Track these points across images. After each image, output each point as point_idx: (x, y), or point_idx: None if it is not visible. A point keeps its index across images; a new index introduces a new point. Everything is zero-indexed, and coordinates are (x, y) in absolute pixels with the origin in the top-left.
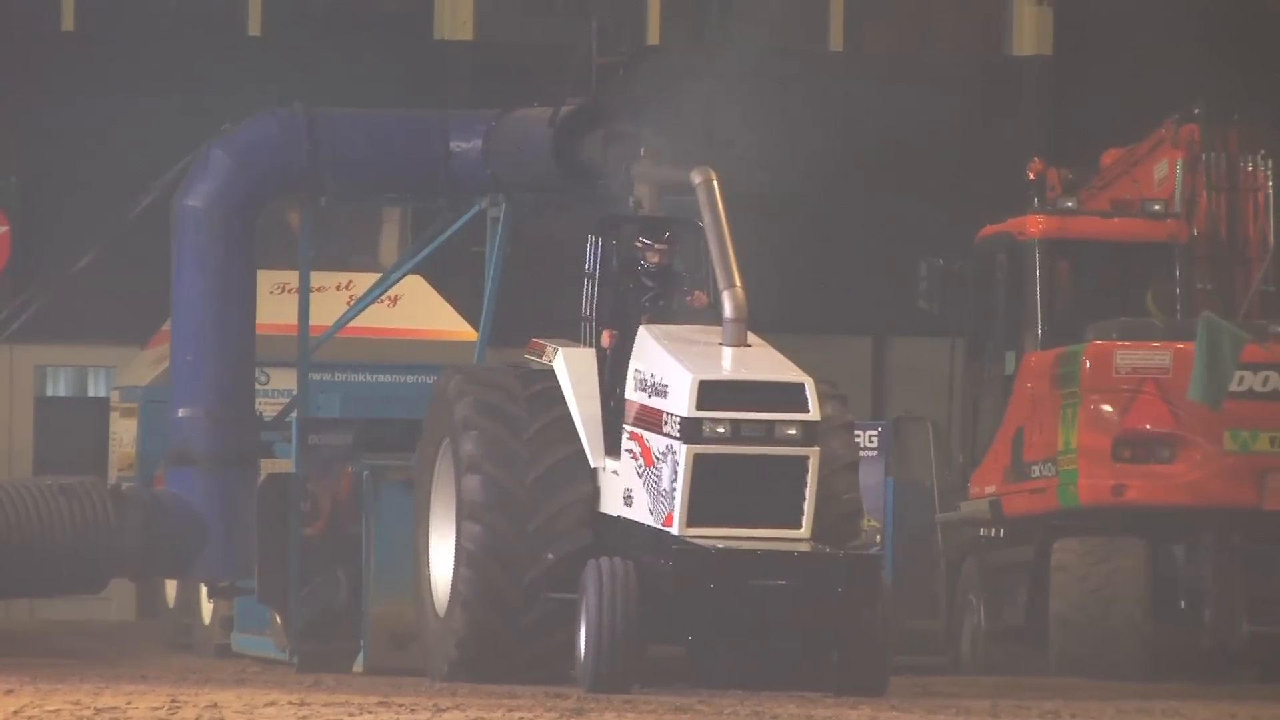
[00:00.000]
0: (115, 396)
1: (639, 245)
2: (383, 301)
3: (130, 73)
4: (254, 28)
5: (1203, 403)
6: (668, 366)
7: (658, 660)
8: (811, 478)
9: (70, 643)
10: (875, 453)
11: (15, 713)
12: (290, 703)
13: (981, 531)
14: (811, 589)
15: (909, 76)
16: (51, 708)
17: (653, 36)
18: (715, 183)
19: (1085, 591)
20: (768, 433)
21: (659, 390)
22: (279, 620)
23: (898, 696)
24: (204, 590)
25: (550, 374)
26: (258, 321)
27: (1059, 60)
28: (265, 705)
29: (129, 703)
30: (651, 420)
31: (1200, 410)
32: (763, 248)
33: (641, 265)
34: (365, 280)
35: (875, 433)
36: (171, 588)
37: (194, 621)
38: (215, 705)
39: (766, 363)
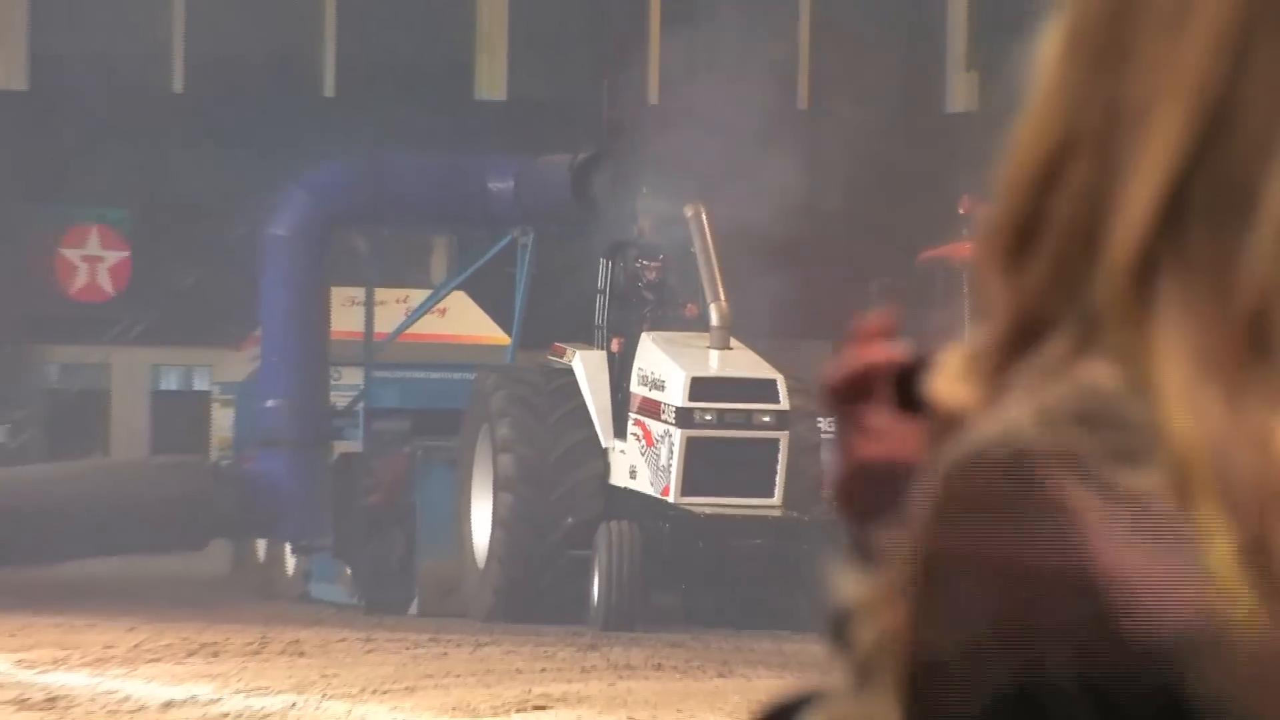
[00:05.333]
0: (215, 390)
1: (640, 266)
2: (433, 312)
3: (226, 124)
4: (328, 89)
5: None
6: (665, 365)
7: (657, 605)
8: (783, 456)
9: (177, 591)
10: (835, 436)
11: (136, 645)
12: (358, 639)
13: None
14: (782, 547)
15: (863, 128)
16: (164, 642)
17: (653, 96)
18: (704, 215)
19: None
20: (747, 420)
21: (658, 385)
22: (349, 572)
23: None
24: (288, 548)
25: (569, 372)
26: (331, 328)
27: (984, 115)
28: (338, 641)
29: (226, 639)
30: (652, 409)
31: None
32: (743, 268)
33: (643, 282)
34: (418, 295)
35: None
36: (260, 546)
37: (279, 574)
38: (297, 641)
39: (745, 362)
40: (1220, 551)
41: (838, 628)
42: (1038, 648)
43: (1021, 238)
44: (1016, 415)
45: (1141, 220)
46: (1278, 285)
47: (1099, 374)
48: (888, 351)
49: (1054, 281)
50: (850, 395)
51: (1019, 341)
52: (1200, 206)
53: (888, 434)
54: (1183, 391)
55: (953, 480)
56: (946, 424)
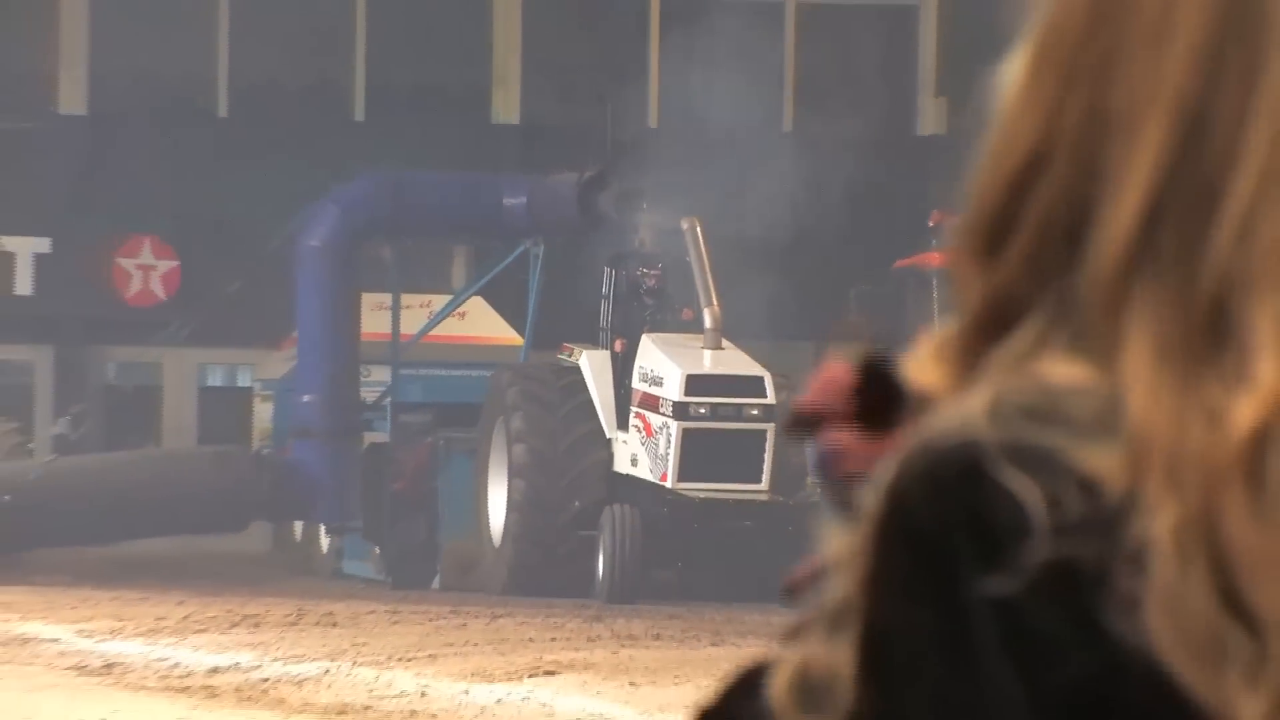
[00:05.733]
0: (256, 386)
1: (641, 274)
2: (453, 316)
3: (266, 145)
4: (359, 114)
5: None
6: (663, 364)
7: (656, 580)
8: (769, 446)
9: (222, 568)
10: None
11: (184, 617)
12: (385, 611)
13: None
14: (769, 527)
15: (843, 148)
16: (210, 614)
17: (652, 120)
18: (698, 227)
19: None
20: (737, 413)
21: (657, 381)
22: (377, 551)
23: None
24: (322, 529)
25: (576, 369)
26: (360, 330)
27: (952, 137)
28: (367, 613)
29: (267, 610)
30: (651, 403)
31: None
32: (734, 275)
33: (643, 289)
34: (440, 300)
35: None
36: (297, 527)
37: (314, 552)
38: (330, 613)
39: (736, 361)
40: (1161, 526)
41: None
42: (959, 620)
43: (995, 235)
44: (971, 406)
45: (1129, 221)
46: (1237, 276)
47: (1057, 367)
48: (840, 384)
49: (1028, 276)
50: (811, 425)
51: (989, 330)
52: (1173, 207)
53: (854, 450)
54: (1143, 375)
55: (907, 462)
56: (921, 404)
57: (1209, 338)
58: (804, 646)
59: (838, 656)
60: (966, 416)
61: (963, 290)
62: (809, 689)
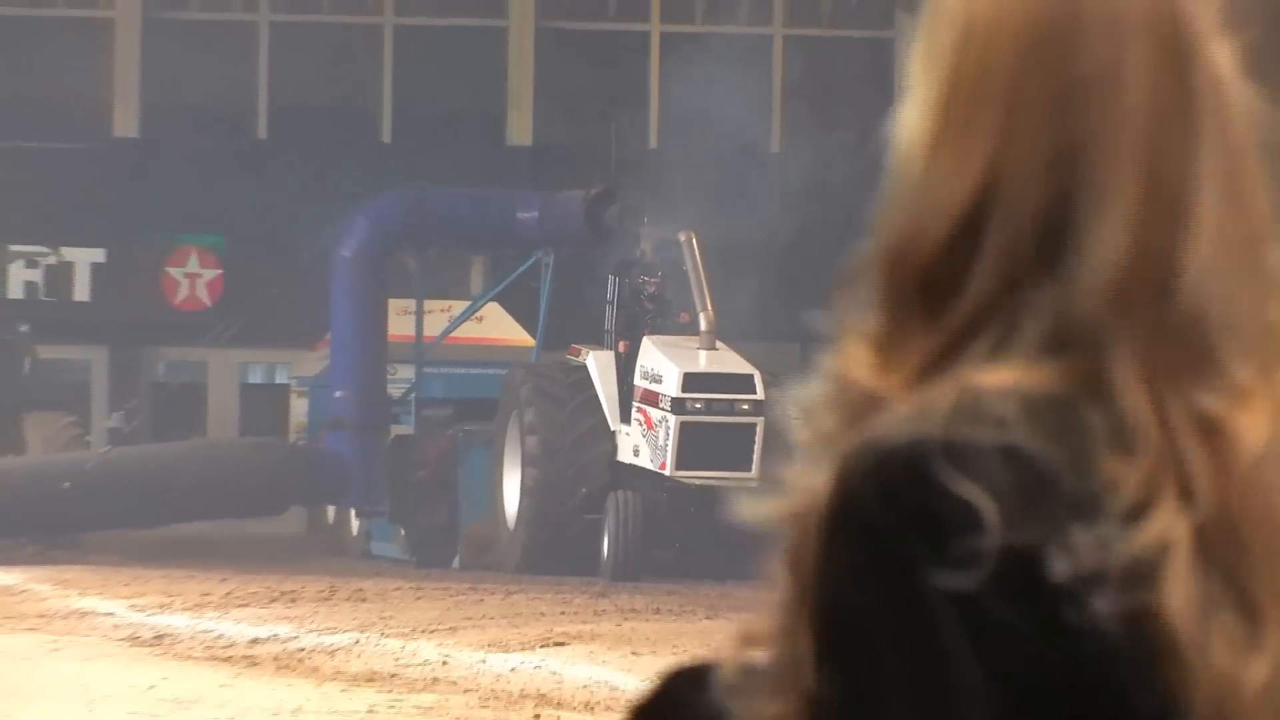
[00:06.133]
0: (293, 383)
1: (642, 281)
2: (471, 319)
3: (301, 164)
4: (386, 136)
5: None
6: (662, 363)
7: (656, 559)
8: (759, 438)
9: (261, 549)
10: None
11: (227, 593)
12: (410, 587)
13: None
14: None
15: (827, 167)
16: (251, 590)
17: (653, 142)
18: (695, 239)
19: None
20: (730, 408)
21: (656, 379)
22: (402, 533)
23: None
24: (352, 513)
25: (583, 368)
26: (388, 333)
27: None
28: (393, 589)
29: (302, 587)
30: (651, 399)
31: None
32: (727, 282)
33: (644, 295)
34: (459, 305)
35: None
36: (330, 511)
37: (345, 534)
38: (360, 589)
39: (728, 360)
40: (1179, 531)
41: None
42: (915, 608)
43: (946, 258)
44: (921, 407)
45: (1120, 244)
46: (1211, 294)
47: (1010, 374)
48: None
49: (991, 292)
50: None
51: (945, 339)
52: (1152, 232)
53: None
54: (1140, 391)
55: (854, 459)
56: (865, 404)
57: (1189, 355)
58: (757, 638)
59: (796, 644)
60: (916, 417)
61: (896, 305)
62: (762, 676)
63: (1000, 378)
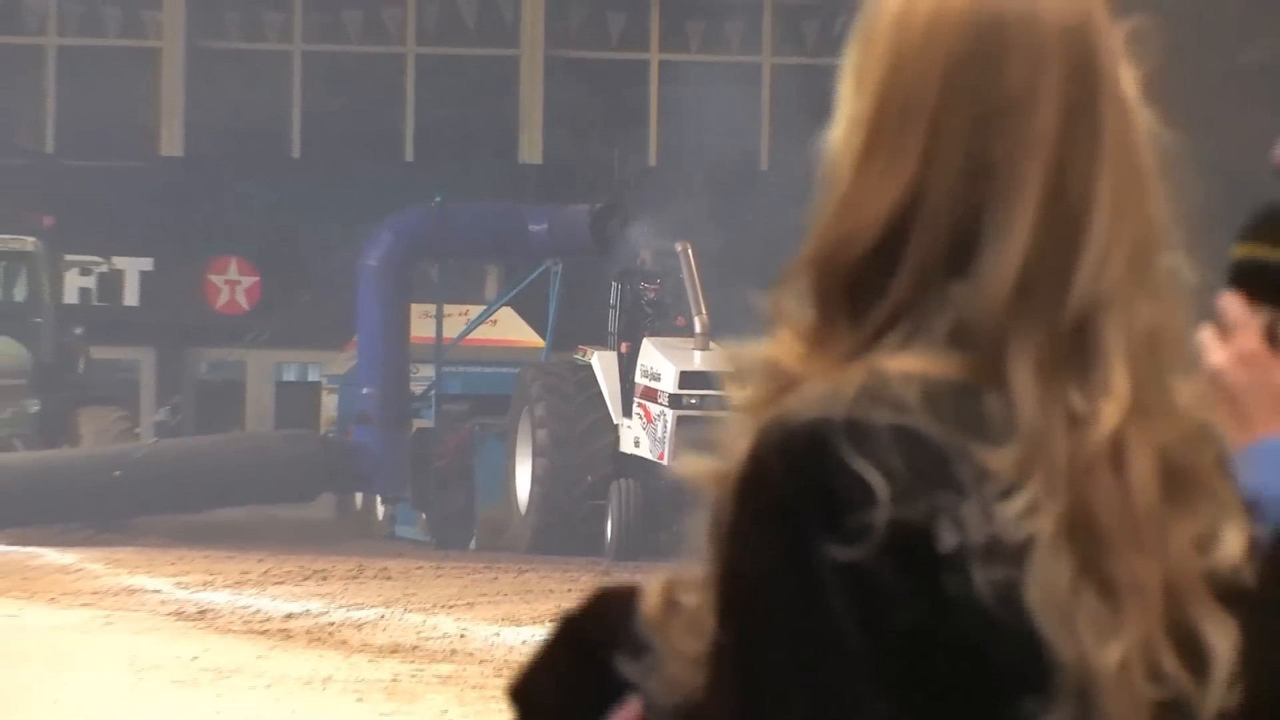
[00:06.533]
0: (323, 381)
1: (643, 288)
2: (487, 323)
3: (331, 180)
4: (408, 155)
5: None
6: (661, 362)
7: (655, 541)
8: None
9: (294, 532)
10: None
11: (264, 572)
12: (431, 567)
13: None
14: None
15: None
16: (286, 569)
17: (652, 160)
18: (690, 250)
19: None
20: (721, 403)
21: (655, 377)
22: (424, 517)
23: None
24: (378, 499)
25: (589, 367)
26: (410, 334)
27: None
28: (415, 568)
29: (332, 566)
30: (651, 395)
31: None
32: (720, 288)
33: (644, 300)
34: (476, 309)
35: None
36: (358, 498)
37: (371, 518)
38: (385, 568)
39: (721, 360)
40: (1044, 516)
41: None
42: (806, 575)
43: (871, 260)
44: (830, 390)
45: (1018, 253)
46: (1095, 302)
47: (905, 364)
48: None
49: (908, 290)
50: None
51: (860, 329)
52: (1048, 243)
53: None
54: (1029, 387)
55: (766, 433)
56: (786, 384)
57: (1075, 355)
58: (675, 580)
59: (704, 597)
60: (824, 397)
61: (825, 302)
62: (678, 616)
63: (904, 365)
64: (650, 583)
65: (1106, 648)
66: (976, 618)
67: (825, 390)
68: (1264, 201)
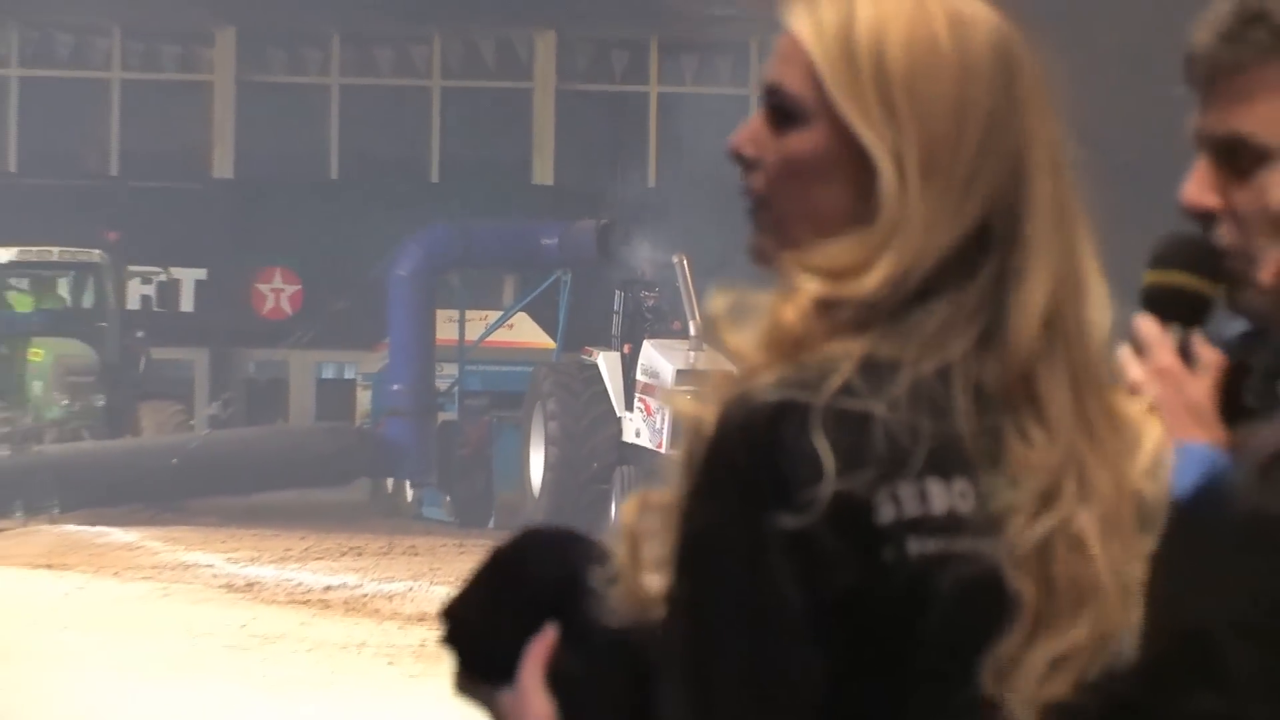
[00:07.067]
0: (358, 378)
1: (643, 295)
2: (504, 326)
3: (366, 200)
4: (434, 177)
5: None
6: (659, 362)
7: None
8: None
9: (332, 513)
10: None
11: (305, 549)
12: (454, 544)
13: None
14: None
15: None
16: (324, 546)
17: (651, 181)
18: (685, 262)
19: None
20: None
21: (654, 375)
22: (448, 499)
23: None
24: (407, 483)
25: (595, 366)
26: (436, 337)
27: None
28: (440, 545)
29: (366, 544)
30: (650, 391)
31: None
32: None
33: (645, 307)
34: (494, 315)
35: None
36: (389, 482)
37: (401, 500)
38: (413, 545)
39: (713, 360)
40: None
41: None
42: (756, 538)
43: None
44: (794, 374)
45: (1048, 288)
46: (1035, 346)
47: (857, 352)
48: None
49: (877, 306)
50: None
51: (849, 329)
52: (1059, 277)
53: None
54: (964, 389)
55: (733, 408)
56: (772, 348)
57: (998, 340)
58: (647, 498)
59: (667, 543)
60: (787, 381)
61: (803, 311)
62: (644, 527)
63: (871, 352)
64: (626, 499)
65: (1033, 654)
66: (909, 584)
67: (789, 375)
68: (1169, 232)
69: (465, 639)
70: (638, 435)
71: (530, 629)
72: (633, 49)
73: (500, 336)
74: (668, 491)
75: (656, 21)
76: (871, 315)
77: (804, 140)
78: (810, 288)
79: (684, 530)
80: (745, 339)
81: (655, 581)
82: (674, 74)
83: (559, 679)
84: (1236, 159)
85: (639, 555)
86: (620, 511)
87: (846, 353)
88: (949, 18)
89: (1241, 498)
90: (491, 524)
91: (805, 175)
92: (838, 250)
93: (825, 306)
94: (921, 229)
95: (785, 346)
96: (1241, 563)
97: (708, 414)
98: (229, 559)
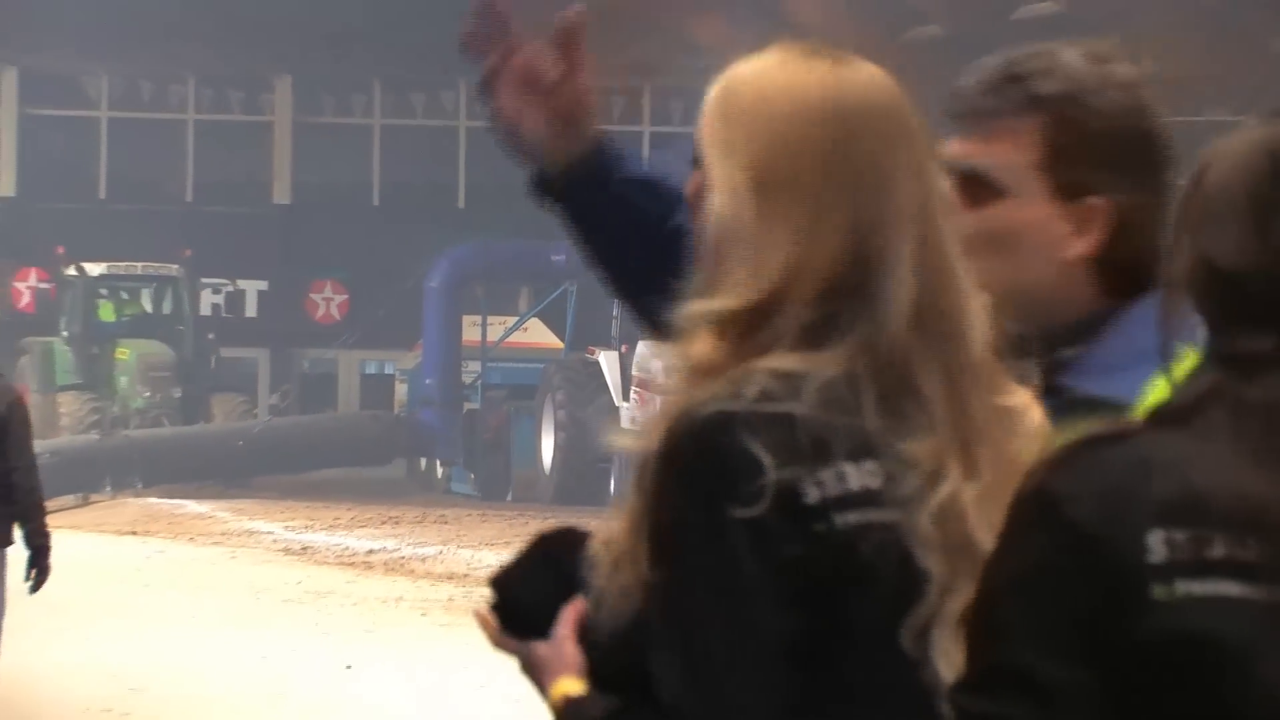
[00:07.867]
0: (397, 374)
1: None
2: (520, 330)
3: (404, 223)
4: (461, 203)
5: None
6: (652, 359)
7: None
8: None
9: (374, 488)
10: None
11: (351, 518)
12: (477, 514)
13: None
14: None
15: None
16: (367, 516)
17: None
18: None
19: None
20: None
21: (648, 370)
22: (473, 476)
23: None
24: (438, 462)
25: (597, 363)
26: (462, 338)
27: None
28: (466, 515)
29: (403, 514)
30: (644, 384)
31: None
32: None
33: None
34: (511, 320)
35: None
36: (423, 461)
37: (433, 477)
38: (443, 515)
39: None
40: (945, 491)
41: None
42: (714, 527)
43: (777, 301)
44: (730, 385)
45: (910, 295)
46: (907, 341)
47: (785, 365)
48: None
49: (803, 319)
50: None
51: (758, 341)
52: (922, 281)
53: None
54: (869, 383)
55: (679, 420)
56: (697, 374)
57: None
58: (608, 535)
59: (638, 543)
60: (725, 391)
61: (727, 326)
62: (617, 555)
63: (786, 365)
64: (595, 532)
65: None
66: (840, 551)
67: (726, 386)
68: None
69: (509, 603)
70: (634, 422)
71: (564, 598)
72: (628, 93)
73: (517, 338)
74: (630, 504)
75: (651, 73)
76: (773, 337)
77: (693, 182)
78: (693, 311)
79: (653, 528)
80: (693, 354)
81: (626, 577)
82: (664, 115)
83: (586, 636)
84: (974, 189)
85: (614, 577)
86: (591, 548)
87: (761, 367)
88: (816, 77)
89: (1032, 477)
90: (509, 497)
91: (694, 211)
92: (704, 272)
93: (731, 332)
94: (771, 243)
95: (705, 371)
96: (1025, 535)
97: (657, 432)
98: (286, 527)
